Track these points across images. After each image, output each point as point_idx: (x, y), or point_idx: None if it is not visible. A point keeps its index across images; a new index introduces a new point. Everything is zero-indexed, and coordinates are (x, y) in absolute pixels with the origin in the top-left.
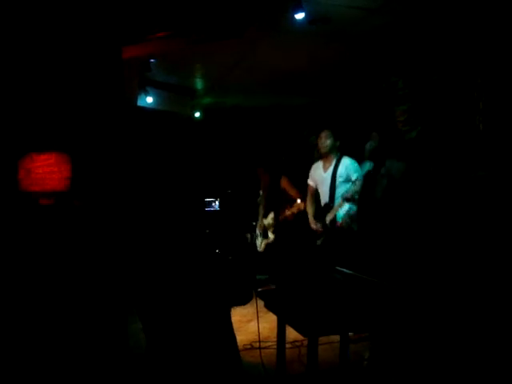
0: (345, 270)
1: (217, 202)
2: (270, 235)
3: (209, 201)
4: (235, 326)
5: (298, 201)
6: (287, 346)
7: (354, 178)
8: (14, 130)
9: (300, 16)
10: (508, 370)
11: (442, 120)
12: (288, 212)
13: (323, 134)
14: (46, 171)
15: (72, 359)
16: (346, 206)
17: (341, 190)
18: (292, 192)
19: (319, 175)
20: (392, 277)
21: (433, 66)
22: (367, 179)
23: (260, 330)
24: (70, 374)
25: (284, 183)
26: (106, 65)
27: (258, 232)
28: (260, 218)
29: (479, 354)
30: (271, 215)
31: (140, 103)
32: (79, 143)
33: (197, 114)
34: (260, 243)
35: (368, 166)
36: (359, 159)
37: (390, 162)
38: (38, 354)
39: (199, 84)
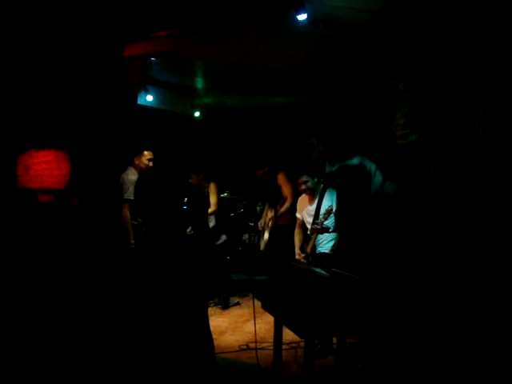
0: (343, 272)
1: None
2: (266, 235)
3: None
4: (232, 326)
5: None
6: (284, 347)
7: (335, 210)
8: (13, 126)
9: (302, 17)
10: (507, 374)
11: (441, 124)
12: (273, 214)
13: (301, 181)
14: (45, 168)
15: (69, 357)
16: (331, 237)
17: (325, 222)
18: (286, 189)
19: (305, 208)
20: (390, 281)
21: (433, 69)
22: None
23: (256, 331)
24: (68, 372)
25: (280, 180)
26: (108, 63)
27: (261, 230)
28: (263, 215)
29: (477, 355)
30: (269, 214)
31: (140, 102)
32: (79, 140)
33: (197, 114)
34: (261, 242)
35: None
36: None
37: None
38: (35, 353)
39: (200, 83)
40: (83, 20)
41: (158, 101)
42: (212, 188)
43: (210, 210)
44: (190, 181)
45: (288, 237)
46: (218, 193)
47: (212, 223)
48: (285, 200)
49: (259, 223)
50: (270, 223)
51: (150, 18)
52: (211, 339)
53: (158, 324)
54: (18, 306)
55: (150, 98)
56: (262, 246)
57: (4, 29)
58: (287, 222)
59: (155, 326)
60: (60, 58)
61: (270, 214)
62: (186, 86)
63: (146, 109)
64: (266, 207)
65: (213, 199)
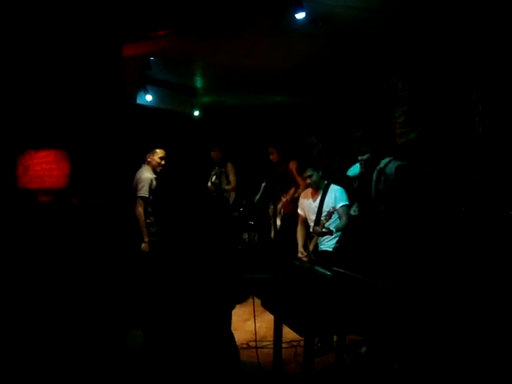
0: (342, 270)
1: None
2: (278, 222)
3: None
4: (232, 325)
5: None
6: (284, 345)
7: (337, 207)
8: (13, 126)
9: (301, 16)
10: (508, 371)
11: (441, 122)
12: (286, 198)
13: (307, 174)
14: (45, 168)
15: (69, 356)
16: (334, 238)
17: (327, 224)
18: (299, 177)
19: (308, 204)
20: (390, 279)
21: (432, 67)
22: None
23: (257, 330)
24: (69, 372)
25: (292, 166)
26: (106, 62)
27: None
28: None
29: (479, 354)
30: (281, 200)
31: (140, 101)
32: (78, 141)
33: (196, 113)
34: (272, 230)
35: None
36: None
37: (384, 162)
38: (34, 351)
39: (199, 83)
40: (82, 19)
41: (157, 100)
42: (229, 167)
43: (230, 187)
44: (212, 155)
45: (295, 225)
46: (236, 171)
47: (232, 198)
48: (297, 187)
49: (270, 209)
50: (281, 210)
51: (149, 17)
52: (235, 344)
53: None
54: (19, 306)
55: (149, 97)
56: (273, 234)
57: (3, 28)
58: (288, 206)
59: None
60: (59, 57)
61: (283, 200)
62: (186, 86)
63: (146, 108)
64: (278, 193)
65: (232, 177)
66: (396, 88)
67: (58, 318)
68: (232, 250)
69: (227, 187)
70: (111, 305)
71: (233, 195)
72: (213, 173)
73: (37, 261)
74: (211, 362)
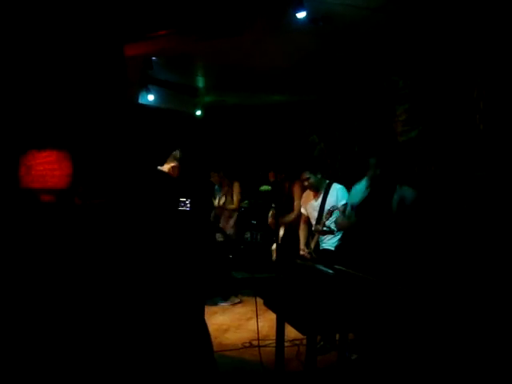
0: (344, 268)
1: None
2: (281, 231)
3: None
4: (235, 324)
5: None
6: (286, 344)
7: (339, 205)
8: (15, 126)
9: (301, 15)
10: (505, 371)
11: (442, 120)
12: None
13: (304, 177)
14: (47, 168)
15: (70, 358)
16: (335, 237)
17: (327, 222)
18: (296, 203)
19: (310, 203)
20: (390, 276)
21: (433, 65)
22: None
23: (259, 329)
24: (70, 374)
25: (295, 191)
26: (108, 62)
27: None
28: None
29: (476, 353)
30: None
31: (141, 101)
32: (80, 140)
33: (198, 113)
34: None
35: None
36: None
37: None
38: (35, 353)
39: (200, 82)
40: (83, 19)
41: (159, 100)
42: (236, 187)
43: (233, 207)
44: (211, 179)
45: (295, 229)
46: (241, 192)
47: (233, 220)
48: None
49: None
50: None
51: (149, 17)
52: (209, 338)
53: (155, 324)
54: (20, 307)
55: (151, 97)
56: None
57: (4, 28)
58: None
59: (152, 325)
60: (60, 57)
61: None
62: (188, 85)
63: (149, 108)
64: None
65: (236, 197)
66: (397, 86)
67: (60, 318)
68: (200, 249)
69: (230, 207)
70: (114, 304)
71: (234, 216)
72: (218, 193)
73: (39, 260)
74: (185, 347)
